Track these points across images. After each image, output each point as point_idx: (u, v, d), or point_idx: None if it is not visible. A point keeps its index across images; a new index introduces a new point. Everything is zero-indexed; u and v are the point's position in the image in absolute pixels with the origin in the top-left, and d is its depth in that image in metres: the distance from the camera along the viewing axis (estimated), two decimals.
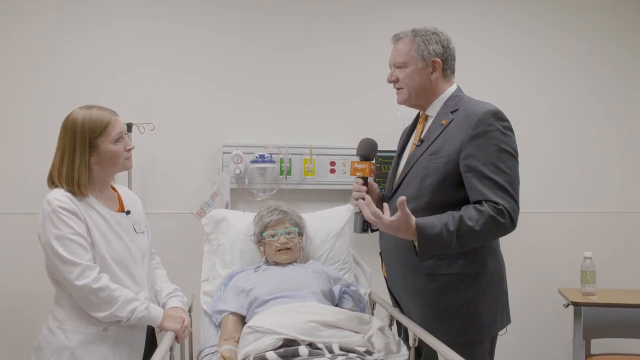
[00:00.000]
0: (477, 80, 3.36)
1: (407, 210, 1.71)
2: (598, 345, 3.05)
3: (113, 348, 1.88)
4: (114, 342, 1.89)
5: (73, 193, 1.86)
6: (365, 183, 2.05)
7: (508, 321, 2.03)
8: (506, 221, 1.78)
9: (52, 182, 1.90)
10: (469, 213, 1.78)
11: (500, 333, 2.01)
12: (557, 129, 3.46)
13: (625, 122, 3.51)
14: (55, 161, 1.91)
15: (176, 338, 1.96)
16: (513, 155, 1.86)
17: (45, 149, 3.01)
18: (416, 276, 1.95)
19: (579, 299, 2.90)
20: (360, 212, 2.04)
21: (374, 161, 2.10)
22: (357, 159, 3.20)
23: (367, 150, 2.09)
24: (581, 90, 3.48)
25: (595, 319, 2.91)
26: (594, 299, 2.90)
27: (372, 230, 2.12)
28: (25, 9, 3.08)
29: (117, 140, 1.92)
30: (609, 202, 3.48)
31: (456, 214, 1.78)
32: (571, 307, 2.91)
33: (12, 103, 3.07)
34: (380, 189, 2.20)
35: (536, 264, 3.41)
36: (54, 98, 3.08)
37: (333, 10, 3.33)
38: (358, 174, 2.07)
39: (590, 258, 2.98)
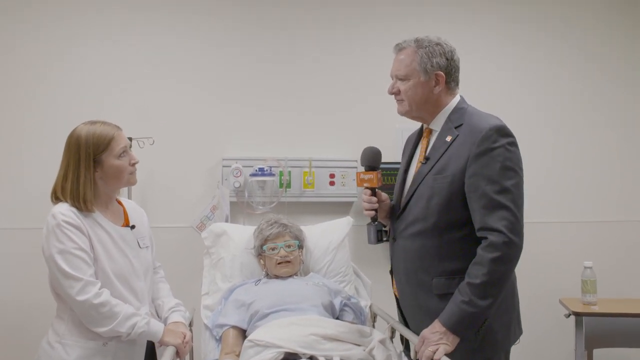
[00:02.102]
0: (476, 89, 3.37)
1: (426, 335, 1.77)
2: (600, 355, 3.04)
3: None
4: (114, 357, 1.88)
5: (78, 208, 1.86)
6: (374, 193, 2.01)
7: (520, 332, 2.01)
8: (505, 249, 1.74)
9: (56, 198, 1.90)
10: (471, 273, 1.76)
11: (515, 344, 1.99)
12: (557, 138, 3.47)
13: (625, 131, 3.52)
14: (59, 177, 1.91)
15: (177, 353, 1.95)
16: (517, 173, 1.82)
17: (45, 164, 3.03)
18: (428, 296, 1.90)
19: (580, 308, 2.89)
20: (372, 222, 2.03)
21: (380, 170, 2.03)
22: (354, 170, 3.21)
23: (372, 160, 2.03)
24: (580, 99, 3.50)
25: (597, 329, 2.90)
26: (596, 309, 2.89)
27: (385, 241, 2.10)
28: (24, 23, 3.11)
29: (121, 155, 1.93)
30: (609, 211, 3.48)
31: (462, 284, 1.77)
32: (572, 317, 2.90)
33: (12, 117, 3.09)
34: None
35: (537, 274, 3.39)
36: (54, 113, 3.09)
37: (332, 23, 3.36)
38: (365, 184, 2.02)
39: (590, 267, 2.98)
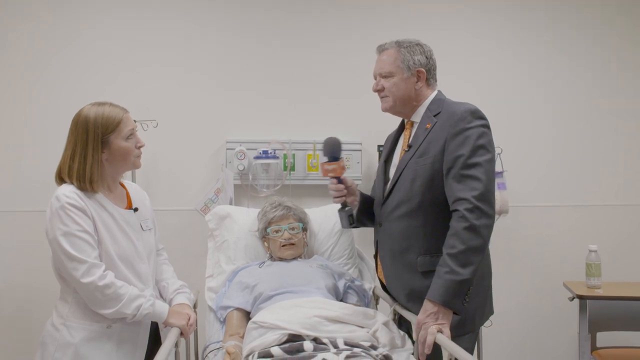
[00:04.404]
0: (478, 75, 3.36)
1: (421, 319, 1.83)
2: (604, 338, 3.04)
3: (117, 345, 1.89)
4: (118, 339, 1.89)
5: (84, 189, 1.86)
6: (340, 181, 2.11)
7: (491, 312, 2.09)
8: (473, 217, 1.80)
9: (61, 179, 1.89)
10: (447, 244, 1.83)
11: (486, 325, 2.08)
12: (561, 122, 3.44)
13: (629, 114, 3.48)
14: (65, 157, 1.89)
15: (182, 334, 1.96)
16: (489, 151, 1.90)
17: (46, 148, 3.04)
18: (413, 275, 1.99)
19: (584, 292, 2.89)
20: (343, 208, 2.14)
21: (342, 158, 2.13)
22: (359, 153, 3.21)
23: (334, 150, 2.12)
24: (584, 83, 3.46)
25: (601, 312, 2.89)
26: (600, 292, 2.88)
27: (355, 226, 2.24)
28: (26, 9, 3.09)
29: (128, 137, 1.93)
30: (613, 195, 3.46)
31: (442, 257, 1.83)
32: (576, 301, 2.89)
33: (14, 102, 3.09)
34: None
35: (541, 257, 3.40)
36: (57, 95, 3.09)
37: (336, 7, 3.32)
38: (330, 174, 2.12)
39: (595, 251, 2.96)
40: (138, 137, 1.98)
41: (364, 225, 2.34)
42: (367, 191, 2.40)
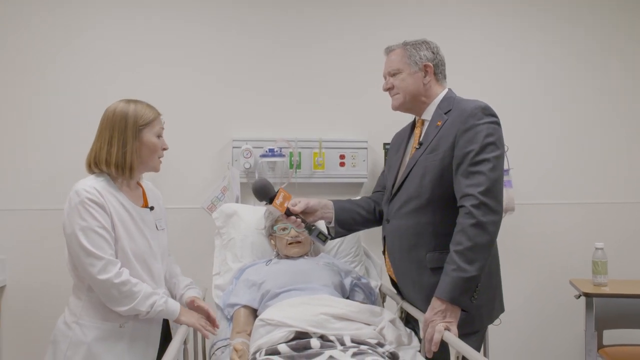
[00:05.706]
0: (483, 74, 3.36)
1: (428, 317, 1.84)
2: (610, 336, 3.04)
3: (129, 344, 1.90)
4: (130, 338, 1.90)
5: (121, 175, 1.90)
6: (290, 213, 2.07)
7: (502, 310, 2.09)
8: (479, 213, 1.80)
9: (91, 166, 1.91)
10: (454, 241, 1.83)
11: (495, 323, 2.08)
12: (566, 119, 3.44)
13: (634, 112, 3.48)
14: (100, 145, 1.90)
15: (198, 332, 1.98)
16: (498, 147, 1.91)
17: (47, 147, 3.03)
18: (422, 271, 2.00)
19: (590, 289, 2.88)
20: (310, 231, 2.09)
21: (277, 193, 2.05)
22: (365, 151, 3.21)
23: (264, 193, 2.07)
24: (589, 80, 3.45)
25: (608, 310, 2.89)
26: (606, 290, 2.88)
27: (332, 237, 2.22)
28: (26, 9, 3.10)
29: (159, 136, 1.97)
30: (620, 192, 3.46)
31: (449, 254, 1.84)
32: (583, 298, 2.89)
33: (15, 102, 3.09)
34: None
35: (547, 255, 3.40)
36: (57, 95, 3.10)
37: (341, 6, 3.33)
38: (278, 214, 2.10)
39: (601, 249, 2.96)
40: (164, 140, 2.01)
41: (352, 231, 2.35)
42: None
